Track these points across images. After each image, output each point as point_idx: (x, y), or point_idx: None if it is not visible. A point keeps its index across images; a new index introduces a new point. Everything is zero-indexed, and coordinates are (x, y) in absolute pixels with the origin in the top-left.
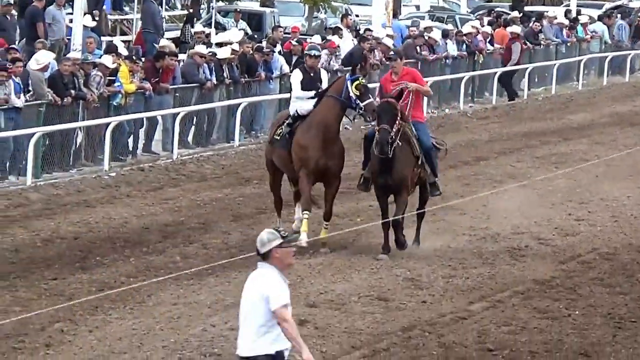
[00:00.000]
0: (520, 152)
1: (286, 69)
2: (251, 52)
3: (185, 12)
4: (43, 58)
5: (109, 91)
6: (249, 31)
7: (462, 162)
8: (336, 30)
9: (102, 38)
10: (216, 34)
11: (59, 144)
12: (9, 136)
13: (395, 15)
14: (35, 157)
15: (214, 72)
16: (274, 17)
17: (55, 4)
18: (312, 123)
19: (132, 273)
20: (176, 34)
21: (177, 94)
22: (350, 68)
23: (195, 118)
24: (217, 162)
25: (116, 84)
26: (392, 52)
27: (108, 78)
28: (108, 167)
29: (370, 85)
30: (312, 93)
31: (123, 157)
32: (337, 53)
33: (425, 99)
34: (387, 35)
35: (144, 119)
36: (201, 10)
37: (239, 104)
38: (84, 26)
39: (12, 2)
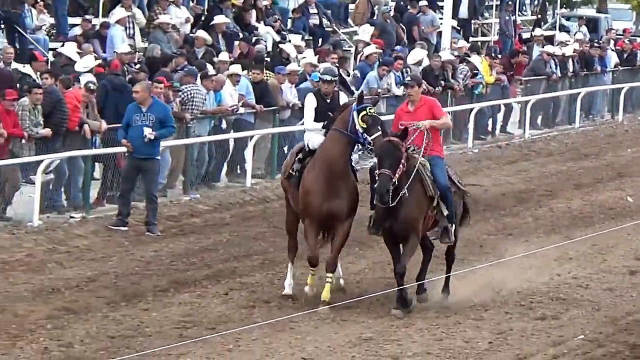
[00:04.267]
0: None
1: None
2: (589, 49)
3: (534, 17)
4: (417, 55)
5: (472, 82)
6: (587, 33)
7: None
8: None
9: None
10: None
11: None
12: (386, 120)
13: None
14: None
15: (558, 67)
16: (607, 21)
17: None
18: (316, 161)
19: (492, 232)
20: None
21: (528, 85)
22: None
23: (543, 104)
24: (561, 140)
25: (478, 77)
26: (408, 78)
27: (472, 72)
28: (472, 145)
29: None
30: (322, 124)
31: (484, 137)
32: None
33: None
34: None
35: (501, 105)
36: (547, 16)
37: (579, 93)
38: (452, 27)
39: (391, 10)
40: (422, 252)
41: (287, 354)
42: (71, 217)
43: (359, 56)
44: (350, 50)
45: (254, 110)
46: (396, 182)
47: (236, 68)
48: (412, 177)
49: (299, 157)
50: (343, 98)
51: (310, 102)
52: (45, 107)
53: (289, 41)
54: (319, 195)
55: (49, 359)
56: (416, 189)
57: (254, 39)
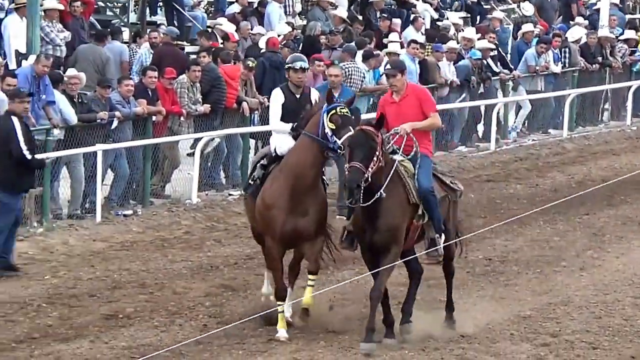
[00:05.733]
0: None
1: None
2: None
3: None
4: (576, 33)
5: (631, 60)
6: None
7: None
8: None
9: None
10: None
11: (589, 103)
12: (549, 97)
13: None
14: (570, 113)
15: None
16: None
17: None
18: (282, 170)
19: None
20: None
21: None
22: None
23: None
24: None
25: (637, 54)
26: (388, 66)
27: (631, 49)
28: (630, 122)
29: None
30: (291, 126)
31: None
32: None
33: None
34: None
35: None
36: None
37: None
38: (611, 5)
39: None
40: (409, 275)
41: (445, 331)
42: (229, 194)
43: (518, 34)
44: (508, 28)
45: None
46: (369, 178)
47: (395, 46)
48: (389, 176)
49: (261, 162)
50: (314, 94)
51: (277, 98)
52: (203, 85)
53: (447, 18)
54: (281, 210)
55: (208, 336)
56: (397, 192)
57: (412, 16)
